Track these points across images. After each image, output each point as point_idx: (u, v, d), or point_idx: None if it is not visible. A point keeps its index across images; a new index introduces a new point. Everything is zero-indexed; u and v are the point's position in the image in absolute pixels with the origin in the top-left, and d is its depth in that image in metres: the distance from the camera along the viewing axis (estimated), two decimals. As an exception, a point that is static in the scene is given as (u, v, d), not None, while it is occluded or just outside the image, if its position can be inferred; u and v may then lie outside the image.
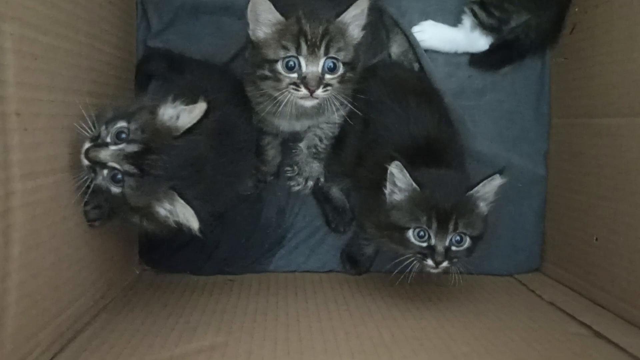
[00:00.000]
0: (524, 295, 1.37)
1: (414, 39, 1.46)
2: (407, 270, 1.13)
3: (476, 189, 1.11)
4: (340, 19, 1.11)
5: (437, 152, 1.21)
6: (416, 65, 1.48)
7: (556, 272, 1.45)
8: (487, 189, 1.13)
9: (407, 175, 1.10)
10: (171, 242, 1.44)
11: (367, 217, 1.26)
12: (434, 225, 1.09)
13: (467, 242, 1.12)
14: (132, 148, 0.97)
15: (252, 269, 1.46)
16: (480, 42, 1.47)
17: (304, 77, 1.09)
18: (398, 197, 1.13)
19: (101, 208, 1.09)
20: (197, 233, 1.01)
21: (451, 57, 1.50)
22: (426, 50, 1.47)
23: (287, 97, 1.12)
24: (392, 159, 1.10)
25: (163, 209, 1.01)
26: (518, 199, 1.50)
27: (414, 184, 1.10)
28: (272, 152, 1.44)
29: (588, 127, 1.33)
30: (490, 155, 1.48)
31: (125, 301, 1.24)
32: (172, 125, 1.02)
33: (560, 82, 1.46)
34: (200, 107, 1.02)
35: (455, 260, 1.12)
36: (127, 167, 0.96)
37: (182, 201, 0.99)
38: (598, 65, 1.29)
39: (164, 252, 1.44)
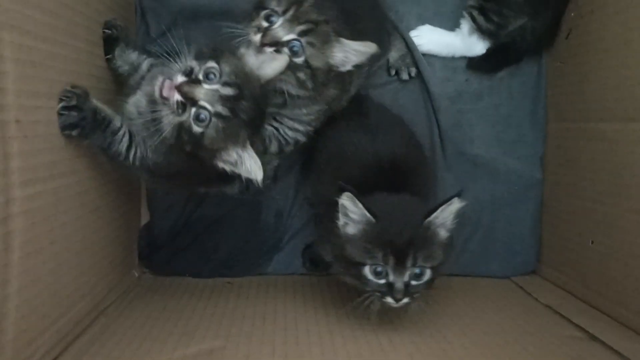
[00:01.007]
0: (520, 298, 1.38)
1: (412, 42, 1.47)
2: (367, 306, 1.06)
3: (434, 215, 1.04)
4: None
5: (401, 175, 1.15)
6: (413, 70, 1.48)
7: (552, 275, 1.46)
8: (446, 215, 1.05)
9: (360, 206, 1.03)
10: (171, 246, 1.45)
11: (324, 244, 1.19)
12: (391, 262, 1.02)
13: (428, 274, 1.05)
14: (227, 91, 0.98)
15: (250, 272, 1.47)
16: (477, 46, 1.48)
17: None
18: (352, 230, 1.06)
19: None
20: (260, 184, 1.03)
21: (448, 61, 1.51)
22: (424, 55, 1.48)
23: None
24: (342, 190, 1.03)
25: (235, 155, 1.02)
26: (514, 202, 1.51)
27: (368, 215, 1.03)
28: (268, 157, 1.44)
29: (584, 132, 1.33)
30: (487, 159, 1.50)
31: (125, 305, 1.25)
32: (255, 73, 1.04)
33: (556, 87, 1.47)
34: (283, 59, 1.04)
35: (416, 295, 1.05)
36: (220, 109, 0.97)
37: (253, 152, 1.01)
38: (594, 70, 1.30)
39: (163, 255, 1.45)
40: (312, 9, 1.08)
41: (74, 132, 1.00)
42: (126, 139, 1.07)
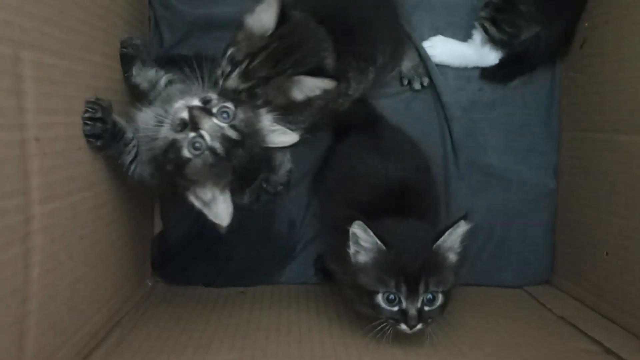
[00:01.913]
0: (534, 309, 1.37)
1: (425, 52, 1.46)
2: (381, 334, 1.07)
3: (442, 239, 1.05)
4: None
5: (410, 200, 1.16)
6: (426, 80, 1.48)
7: (567, 285, 1.45)
8: (453, 238, 1.06)
9: (372, 234, 1.04)
10: (184, 255, 1.46)
11: (335, 263, 1.19)
12: (404, 289, 1.03)
13: (440, 299, 1.06)
14: (231, 134, 1.00)
15: (263, 281, 1.48)
16: (490, 56, 1.48)
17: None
18: (363, 258, 1.07)
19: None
20: (223, 231, 1.04)
21: (461, 71, 1.51)
22: (437, 65, 1.48)
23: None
24: (353, 218, 1.04)
25: (210, 195, 1.03)
26: (528, 211, 1.50)
27: (380, 243, 1.04)
28: (281, 158, 1.44)
29: (598, 142, 1.33)
30: (500, 169, 1.49)
31: (139, 316, 1.25)
32: (263, 134, 1.07)
33: (570, 96, 1.47)
34: (293, 137, 1.07)
35: (430, 320, 1.06)
36: (217, 146, 0.99)
37: (229, 198, 1.02)
38: (608, 81, 1.29)
39: (176, 265, 1.46)
40: (262, 65, 1.09)
41: (98, 143, 1.02)
42: (133, 152, 1.09)
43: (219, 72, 1.12)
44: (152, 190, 1.32)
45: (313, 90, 1.12)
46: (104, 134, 1.02)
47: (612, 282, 1.26)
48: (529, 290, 1.48)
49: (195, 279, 1.45)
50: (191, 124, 0.99)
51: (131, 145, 1.08)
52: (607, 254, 1.28)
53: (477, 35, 1.47)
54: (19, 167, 0.79)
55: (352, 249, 1.07)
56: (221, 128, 1.00)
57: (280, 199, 1.50)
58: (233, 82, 1.09)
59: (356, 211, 1.08)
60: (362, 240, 1.06)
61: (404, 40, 1.44)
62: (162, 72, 1.19)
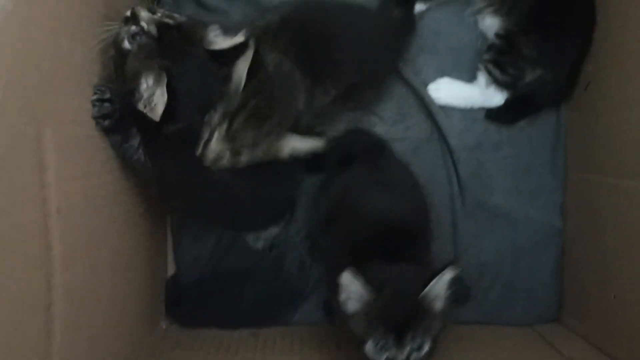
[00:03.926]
0: (542, 349, 1.38)
1: (429, 97, 1.49)
2: None
3: (428, 288, 1.05)
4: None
5: (404, 242, 1.16)
6: None
7: (575, 325, 1.46)
8: (439, 287, 1.06)
9: (362, 282, 1.04)
10: (197, 297, 1.49)
11: (335, 305, 1.17)
12: (391, 338, 1.04)
13: (427, 345, 1.07)
14: (168, 20, 1.09)
15: (275, 322, 1.50)
16: (495, 98, 1.50)
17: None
18: (353, 305, 1.07)
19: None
20: (155, 118, 1.02)
21: (467, 112, 1.52)
22: (442, 107, 1.50)
23: None
24: (342, 266, 1.05)
25: (146, 82, 1.05)
26: (535, 251, 1.51)
27: (368, 292, 1.05)
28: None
29: (603, 185, 1.34)
30: (507, 209, 1.51)
31: (154, 360, 1.28)
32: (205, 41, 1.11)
33: (576, 137, 1.48)
34: (237, 40, 1.09)
35: None
36: (151, 29, 1.07)
37: (165, 86, 1.02)
38: (614, 124, 1.31)
39: (189, 307, 1.49)
40: (245, 126, 1.10)
41: (106, 122, 1.06)
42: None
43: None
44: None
45: (302, 150, 1.12)
46: (114, 113, 1.06)
47: (620, 324, 1.27)
48: (538, 329, 1.49)
49: (208, 321, 1.48)
50: (131, 20, 1.08)
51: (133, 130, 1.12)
52: (614, 296, 1.29)
53: (482, 77, 1.49)
54: (41, 242, 0.83)
55: (342, 297, 1.08)
56: (159, 17, 1.09)
57: (290, 239, 1.53)
58: (215, 146, 1.10)
59: (349, 248, 1.10)
60: (351, 290, 1.07)
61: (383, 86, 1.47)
62: None
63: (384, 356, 1.06)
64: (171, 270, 1.55)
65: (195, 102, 1.10)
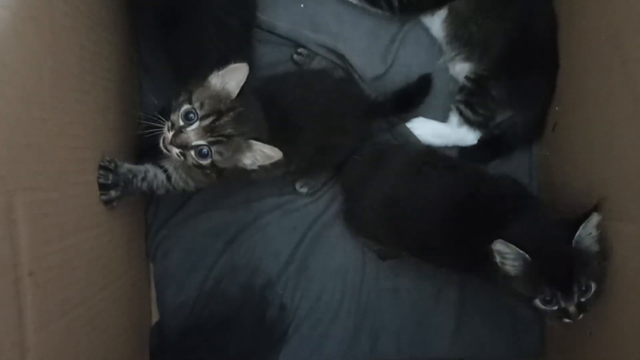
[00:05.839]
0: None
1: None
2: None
3: (577, 237, 1.11)
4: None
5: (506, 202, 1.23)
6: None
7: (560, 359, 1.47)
8: (588, 230, 1.13)
9: (515, 248, 1.10)
10: (181, 346, 1.50)
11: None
12: (559, 293, 1.11)
13: (593, 287, 1.13)
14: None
15: (260, 367, 1.51)
16: (469, 136, 1.54)
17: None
18: (512, 270, 1.13)
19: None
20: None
21: (441, 150, 1.56)
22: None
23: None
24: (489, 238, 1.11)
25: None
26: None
27: (524, 256, 1.10)
28: None
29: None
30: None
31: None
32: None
33: (546, 176, 1.52)
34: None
35: (589, 307, 1.14)
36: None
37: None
38: (580, 165, 1.34)
39: (174, 355, 1.50)
40: (229, 123, 1.11)
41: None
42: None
43: (168, 123, 1.13)
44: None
45: (260, 155, 1.13)
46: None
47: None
48: (521, 365, 1.51)
49: (193, 368, 1.49)
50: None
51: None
52: (590, 333, 1.30)
53: (454, 117, 1.54)
54: (13, 306, 0.85)
55: (498, 260, 1.13)
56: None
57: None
58: (189, 136, 1.10)
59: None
60: (506, 255, 1.12)
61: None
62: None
63: (555, 307, 1.13)
64: (155, 316, 1.56)
65: None
